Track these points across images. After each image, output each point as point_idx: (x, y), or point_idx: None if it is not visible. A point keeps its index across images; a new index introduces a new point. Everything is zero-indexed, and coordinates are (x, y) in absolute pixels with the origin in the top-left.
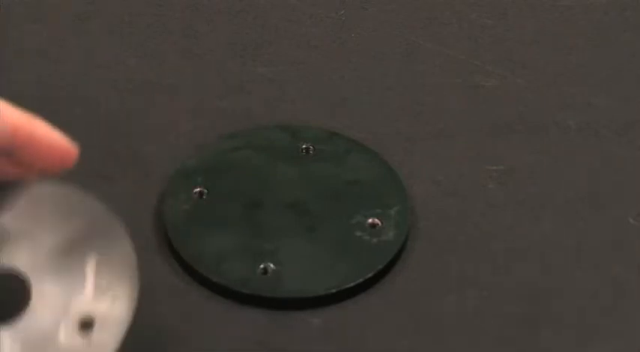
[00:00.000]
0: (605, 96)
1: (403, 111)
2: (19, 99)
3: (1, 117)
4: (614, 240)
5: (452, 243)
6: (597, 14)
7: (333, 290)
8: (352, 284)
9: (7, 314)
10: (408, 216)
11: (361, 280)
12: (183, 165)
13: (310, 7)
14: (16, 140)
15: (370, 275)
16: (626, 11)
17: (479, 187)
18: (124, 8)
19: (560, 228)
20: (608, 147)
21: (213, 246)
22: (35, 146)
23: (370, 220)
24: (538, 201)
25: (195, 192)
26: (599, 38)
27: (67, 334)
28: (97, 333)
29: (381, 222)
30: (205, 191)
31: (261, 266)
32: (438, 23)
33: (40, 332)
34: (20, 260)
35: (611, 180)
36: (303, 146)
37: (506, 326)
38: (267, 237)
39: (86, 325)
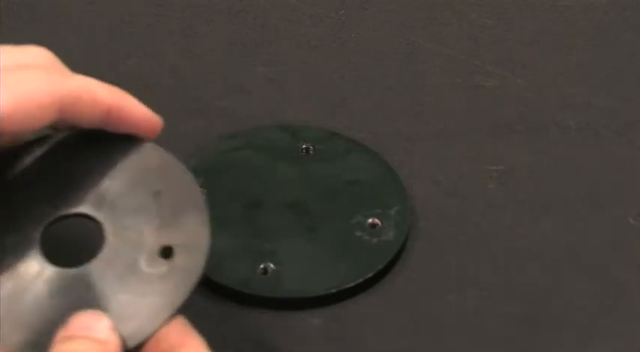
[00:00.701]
0: (605, 96)
1: (403, 111)
2: None
3: (96, 98)
4: (614, 240)
5: (452, 243)
6: (597, 14)
7: (333, 290)
8: (352, 284)
9: (88, 256)
10: (408, 216)
11: (361, 280)
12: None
13: (310, 7)
14: (109, 118)
15: (370, 275)
16: (626, 11)
17: (479, 187)
18: (124, 8)
19: (560, 228)
20: (608, 147)
21: (213, 246)
22: (125, 121)
23: (370, 220)
24: (538, 201)
25: None
26: (599, 38)
27: (149, 263)
28: (179, 258)
29: (381, 222)
30: (205, 191)
31: (261, 266)
32: (438, 23)
33: (122, 265)
34: (91, 203)
35: (611, 180)
36: (303, 146)
37: (506, 326)
38: (267, 237)
39: (167, 253)
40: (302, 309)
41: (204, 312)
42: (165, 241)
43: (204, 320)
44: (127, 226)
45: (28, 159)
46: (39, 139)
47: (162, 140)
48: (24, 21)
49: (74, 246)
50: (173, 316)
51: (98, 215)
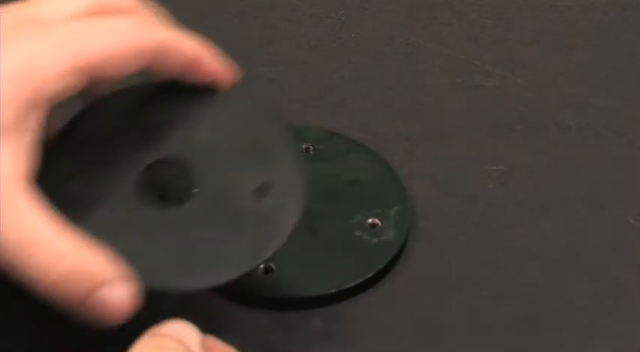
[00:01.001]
0: (605, 96)
1: (403, 111)
2: None
3: (181, 50)
4: (614, 240)
5: (452, 243)
6: (597, 14)
7: (333, 290)
8: (352, 284)
9: (182, 198)
10: (408, 216)
11: (361, 280)
12: None
13: (310, 7)
14: (191, 68)
15: (370, 275)
16: (626, 11)
17: (479, 187)
18: None
19: (560, 228)
20: (608, 147)
21: None
22: (205, 72)
23: (370, 220)
24: (538, 201)
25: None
26: (599, 38)
27: (245, 202)
28: (275, 197)
29: (381, 222)
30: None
31: (262, 266)
32: (438, 23)
33: (217, 205)
34: (182, 147)
35: (611, 180)
36: (303, 146)
37: (507, 326)
38: None
39: (262, 192)
40: (302, 309)
41: (204, 312)
42: (260, 181)
43: (205, 320)
44: (220, 168)
45: (118, 109)
46: (124, 90)
47: None
48: None
49: (169, 189)
50: (270, 255)
51: (190, 159)
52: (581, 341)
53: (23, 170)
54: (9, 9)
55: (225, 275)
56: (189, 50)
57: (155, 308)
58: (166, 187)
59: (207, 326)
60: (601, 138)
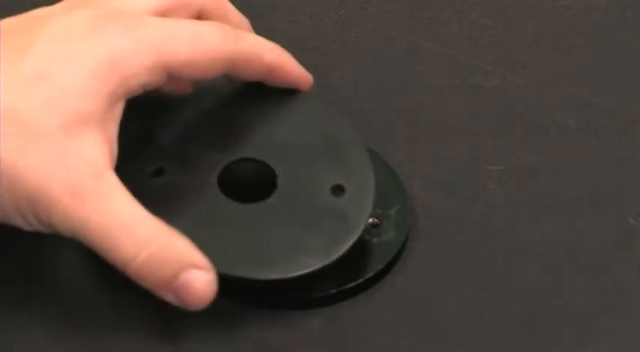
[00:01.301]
0: (605, 96)
1: (403, 111)
2: None
3: (262, 58)
4: (614, 240)
5: (452, 243)
6: (597, 14)
7: (333, 290)
8: (352, 284)
9: (261, 197)
10: (408, 216)
11: (361, 280)
12: None
13: (310, 7)
14: (270, 74)
15: (370, 275)
16: (626, 11)
17: (479, 187)
18: None
19: (560, 228)
20: (608, 147)
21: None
22: (284, 77)
23: (370, 220)
24: (538, 201)
25: None
26: (599, 38)
27: (321, 200)
28: (349, 196)
29: (381, 222)
30: None
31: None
32: (438, 23)
33: (295, 203)
34: (260, 148)
35: (611, 180)
36: None
37: (507, 326)
38: None
39: (338, 191)
40: (302, 309)
41: (204, 312)
42: (336, 180)
43: (204, 319)
44: (297, 168)
45: (198, 107)
46: (206, 89)
47: None
48: None
49: (248, 187)
50: (344, 253)
51: (269, 159)
52: (581, 341)
53: (109, 158)
54: (96, 0)
55: (302, 267)
56: (270, 59)
57: (155, 308)
58: (248, 184)
59: (208, 325)
60: (601, 138)
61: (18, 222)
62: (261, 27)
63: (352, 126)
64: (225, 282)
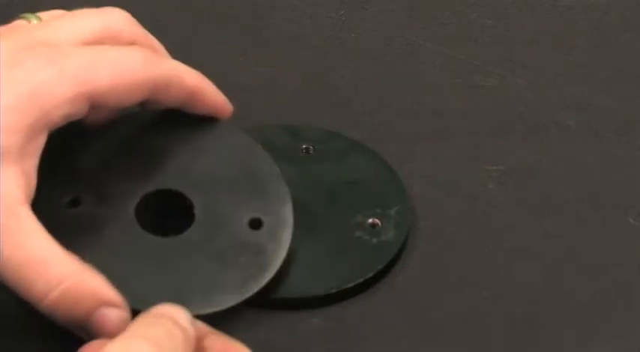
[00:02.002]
0: (605, 96)
1: (403, 111)
2: None
3: (184, 82)
4: (614, 240)
5: (452, 243)
6: (597, 14)
7: (333, 290)
8: (352, 284)
9: (179, 228)
10: (408, 216)
11: (361, 280)
12: None
13: (310, 7)
14: (191, 100)
15: (370, 275)
16: (626, 11)
17: (479, 187)
18: (124, 8)
19: (560, 228)
20: (608, 147)
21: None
22: (204, 104)
23: (370, 220)
24: (538, 201)
25: None
26: (599, 38)
27: (239, 234)
28: (267, 230)
29: (381, 222)
30: None
31: None
32: (438, 23)
33: (213, 236)
34: (178, 178)
35: (611, 180)
36: (303, 146)
37: (507, 326)
38: None
39: (256, 225)
40: (302, 309)
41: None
42: (254, 214)
43: (204, 320)
44: (215, 200)
45: (117, 137)
46: (124, 118)
47: None
48: None
49: (165, 219)
50: (263, 288)
51: (186, 190)
52: (581, 341)
53: (25, 193)
54: (20, 30)
55: (215, 305)
56: (191, 83)
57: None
58: (165, 216)
59: (207, 325)
60: (601, 138)
61: None
62: (261, 27)
63: (270, 158)
64: None
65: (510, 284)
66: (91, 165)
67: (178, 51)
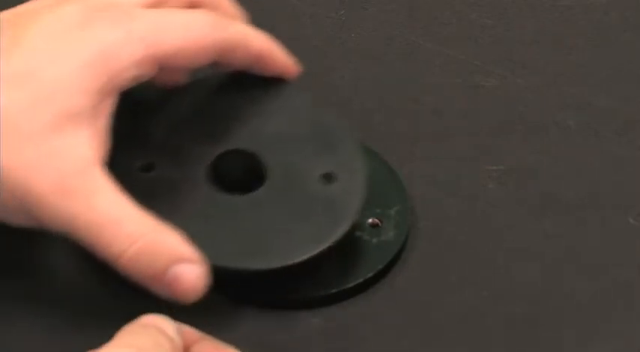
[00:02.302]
0: (605, 96)
1: (403, 111)
2: None
3: (250, 45)
4: (614, 240)
5: (452, 243)
6: (597, 14)
7: (333, 290)
8: (352, 284)
9: (252, 186)
10: (408, 216)
11: (361, 280)
12: None
13: (310, 7)
14: (258, 62)
15: (370, 275)
16: (626, 11)
17: (479, 187)
18: None
19: (560, 228)
20: (608, 147)
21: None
22: (271, 66)
23: (370, 220)
24: (538, 201)
25: None
26: (599, 38)
27: (312, 188)
28: (340, 183)
29: (381, 222)
30: None
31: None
32: (438, 23)
33: (286, 191)
34: (250, 138)
35: (611, 180)
36: None
37: (507, 326)
38: None
39: (328, 179)
40: (302, 309)
41: (204, 312)
42: (326, 168)
43: (205, 319)
44: (287, 157)
45: (187, 101)
46: (195, 82)
47: None
48: None
49: (238, 178)
50: (337, 241)
51: (258, 150)
52: (581, 341)
53: (98, 154)
54: None
55: (294, 256)
56: (258, 46)
57: (154, 307)
58: (238, 175)
59: (207, 325)
60: (601, 138)
61: (10, 219)
62: (261, 27)
63: (341, 116)
64: (223, 280)
65: (510, 284)
66: (162, 130)
67: None
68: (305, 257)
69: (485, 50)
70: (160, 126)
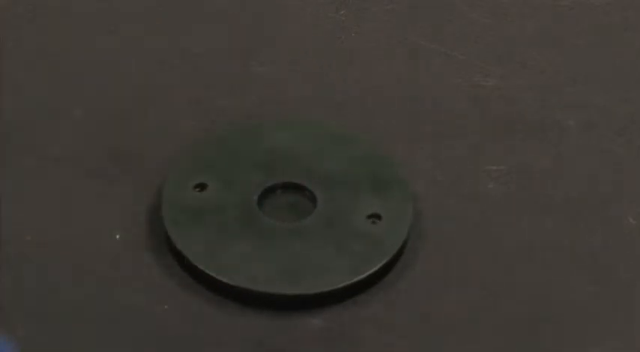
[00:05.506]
0: (605, 96)
1: (403, 111)
2: (18, 98)
3: None
4: (614, 240)
5: (452, 243)
6: (597, 14)
7: (334, 290)
8: (352, 284)
9: (300, 217)
10: (408, 216)
11: (361, 280)
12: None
13: (310, 7)
14: None
15: (370, 275)
16: (626, 11)
17: (479, 187)
18: (130, 5)
19: (560, 228)
20: (608, 147)
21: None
22: None
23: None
24: (538, 201)
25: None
26: (599, 38)
27: (357, 226)
28: (385, 224)
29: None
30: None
31: None
32: (438, 23)
33: (332, 225)
34: (303, 173)
35: (611, 180)
36: None
37: (507, 326)
38: None
39: (374, 219)
40: (302, 309)
41: (205, 312)
42: (373, 209)
43: (205, 319)
44: (337, 194)
45: (251, 136)
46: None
47: (162, 140)
48: (24, 21)
49: (289, 208)
50: (375, 271)
51: (309, 184)
52: (581, 341)
53: None
54: None
55: (325, 285)
56: None
57: (152, 309)
58: (288, 205)
59: (206, 325)
60: (601, 138)
61: None
62: (262, 27)
63: (397, 166)
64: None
65: (510, 284)
66: (220, 156)
67: (178, 50)
68: (335, 286)
69: (485, 50)
70: (220, 150)
